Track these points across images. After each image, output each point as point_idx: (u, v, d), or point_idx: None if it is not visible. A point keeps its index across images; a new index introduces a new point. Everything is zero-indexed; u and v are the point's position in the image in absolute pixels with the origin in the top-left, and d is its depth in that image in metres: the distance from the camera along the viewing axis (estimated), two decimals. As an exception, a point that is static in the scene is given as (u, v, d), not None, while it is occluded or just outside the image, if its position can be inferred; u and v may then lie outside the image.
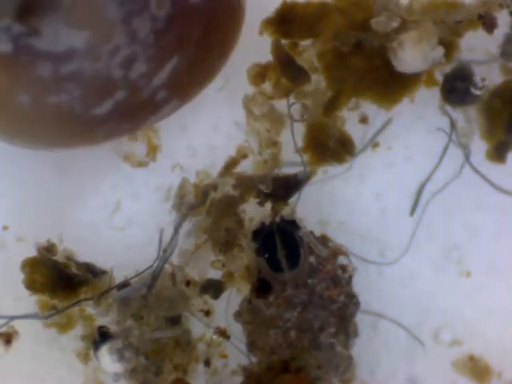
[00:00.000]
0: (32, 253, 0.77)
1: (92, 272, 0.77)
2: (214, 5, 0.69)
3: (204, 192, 0.77)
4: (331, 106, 0.76)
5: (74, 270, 0.77)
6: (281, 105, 0.77)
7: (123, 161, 0.79)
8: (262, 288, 0.76)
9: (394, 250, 0.80)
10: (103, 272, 0.77)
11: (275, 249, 0.75)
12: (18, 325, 0.78)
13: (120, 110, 0.69)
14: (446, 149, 0.79)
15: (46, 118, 0.68)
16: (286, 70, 0.75)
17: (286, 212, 0.77)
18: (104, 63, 0.66)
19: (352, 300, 0.77)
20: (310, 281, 0.75)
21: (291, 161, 0.78)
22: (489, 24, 0.73)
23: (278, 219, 0.76)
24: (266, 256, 0.75)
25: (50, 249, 0.77)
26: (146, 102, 0.70)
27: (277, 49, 0.75)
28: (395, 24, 0.73)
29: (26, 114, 0.68)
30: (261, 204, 0.77)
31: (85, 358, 0.78)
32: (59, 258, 0.78)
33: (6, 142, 0.72)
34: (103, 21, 0.64)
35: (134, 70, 0.67)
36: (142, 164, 0.79)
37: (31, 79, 0.66)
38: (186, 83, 0.72)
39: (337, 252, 0.77)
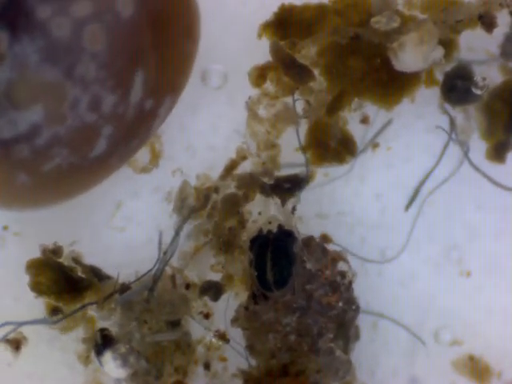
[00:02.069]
0: (32, 253, 0.77)
1: (97, 276, 0.77)
2: (151, 5, 0.67)
3: (206, 195, 0.77)
4: (334, 106, 0.76)
5: (79, 273, 0.77)
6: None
7: (127, 166, 0.79)
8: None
9: (394, 249, 0.80)
10: (108, 277, 0.77)
11: (267, 264, 0.75)
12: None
13: (118, 139, 0.69)
14: (445, 146, 0.79)
15: (52, 181, 0.69)
16: (288, 71, 0.75)
17: (290, 205, 0.77)
18: (72, 118, 0.65)
19: (351, 306, 0.76)
20: (308, 286, 0.75)
21: (291, 162, 0.78)
22: (488, 23, 0.73)
23: (275, 229, 0.76)
24: (256, 274, 0.75)
25: (56, 251, 0.77)
26: (138, 117, 0.69)
27: (276, 51, 0.75)
28: (395, 24, 0.73)
29: (30, 188, 0.68)
30: (267, 196, 0.77)
31: (86, 360, 0.78)
32: (65, 260, 0.78)
33: (20, 212, 0.73)
34: (47, 87, 0.63)
35: (104, 106, 0.66)
36: (145, 170, 0.79)
37: (16, 162, 0.66)
38: (168, 80, 0.71)
39: (336, 258, 0.77)
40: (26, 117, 0.64)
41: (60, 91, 0.64)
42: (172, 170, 0.79)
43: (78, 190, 0.73)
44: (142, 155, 0.78)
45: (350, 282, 0.77)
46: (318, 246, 0.77)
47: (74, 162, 0.68)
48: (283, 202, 0.77)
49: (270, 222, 0.76)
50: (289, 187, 0.77)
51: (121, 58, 0.66)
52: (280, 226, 0.76)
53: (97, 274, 0.77)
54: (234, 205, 0.77)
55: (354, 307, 0.76)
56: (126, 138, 0.70)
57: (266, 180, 0.77)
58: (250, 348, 0.76)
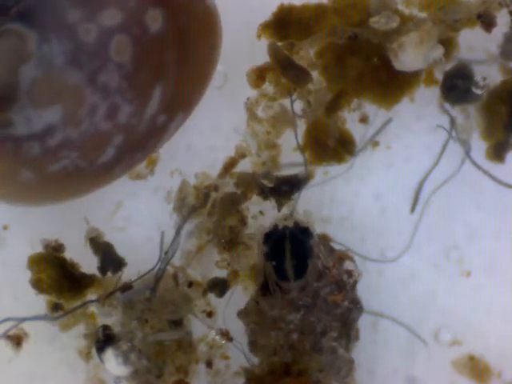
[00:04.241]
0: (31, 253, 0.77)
1: (109, 256, 0.77)
2: (179, 20, 0.69)
3: (205, 194, 0.77)
4: (333, 106, 0.76)
5: (81, 269, 0.77)
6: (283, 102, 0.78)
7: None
8: (267, 286, 0.76)
9: (394, 249, 0.80)
10: (120, 259, 0.78)
11: (283, 256, 0.75)
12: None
13: (126, 149, 0.70)
14: (445, 145, 0.79)
15: (56, 182, 0.69)
16: (286, 72, 0.75)
17: (288, 209, 0.77)
18: (87, 124, 0.66)
19: (356, 305, 0.76)
20: (314, 284, 0.75)
21: (290, 161, 0.78)
22: (487, 23, 0.73)
23: (291, 224, 0.76)
24: (274, 264, 0.75)
25: (57, 248, 0.77)
26: (148, 131, 0.70)
27: (274, 52, 0.75)
28: (395, 24, 0.73)
29: (34, 186, 0.69)
30: (265, 198, 0.77)
31: (87, 356, 0.78)
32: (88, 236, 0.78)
33: (22, 207, 0.73)
34: (68, 90, 0.64)
35: (120, 115, 0.67)
36: (140, 176, 0.79)
37: (25, 159, 0.67)
38: (183, 97, 0.72)
39: (342, 257, 0.77)
40: (42, 116, 0.64)
41: (80, 96, 0.65)
42: (172, 169, 0.80)
43: (79, 192, 0.74)
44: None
45: (355, 282, 0.76)
46: (325, 244, 0.77)
47: (80, 166, 0.68)
48: (279, 207, 0.77)
49: (285, 219, 0.76)
50: (286, 190, 0.77)
51: (144, 71, 0.67)
52: (296, 223, 0.76)
53: (109, 253, 0.77)
54: (233, 204, 0.77)
55: (358, 306, 0.76)
56: (134, 149, 0.71)
57: (266, 183, 0.77)
58: (253, 344, 0.76)
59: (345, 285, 0.76)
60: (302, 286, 0.74)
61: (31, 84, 0.63)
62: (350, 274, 0.76)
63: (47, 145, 0.66)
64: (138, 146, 0.71)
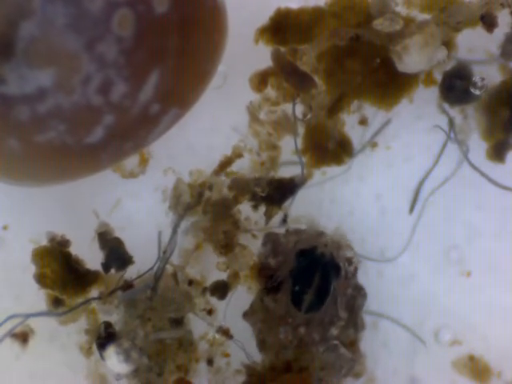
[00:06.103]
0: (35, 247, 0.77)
1: (118, 252, 0.77)
2: (186, 9, 0.68)
3: (199, 192, 0.77)
4: (335, 108, 0.76)
5: (85, 266, 0.78)
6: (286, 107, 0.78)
7: (113, 171, 0.79)
8: (270, 285, 0.76)
9: (394, 250, 0.80)
10: (128, 257, 0.78)
11: (306, 284, 0.75)
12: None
13: (115, 133, 0.69)
14: (444, 145, 0.79)
15: (41, 156, 0.68)
16: (290, 79, 0.75)
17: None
18: (79, 94, 0.65)
19: (360, 292, 0.77)
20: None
21: (289, 160, 0.78)
22: (489, 23, 0.73)
23: (329, 254, 0.76)
24: (297, 288, 0.75)
25: (63, 243, 0.77)
26: (140, 118, 0.69)
27: (278, 59, 0.75)
28: (398, 26, 0.73)
29: (19, 157, 0.68)
30: (255, 208, 0.77)
31: (87, 351, 0.78)
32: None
33: (7, 183, 0.72)
34: (65, 54, 0.64)
35: (113, 93, 0.66)
36: (132, 175, 0.79)
37: (13, 123, 0.66)
38: (179, 91, 0.71)
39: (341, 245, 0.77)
40: (36, 77, 0.64)
41: (76, 62, 0.64)
42: (168, 168, 0.80)
43: (63, 175, 0.73)
44: (130, 161, 0.79)
45: (356, 268, 0.77)
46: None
47: (67, 143, 0.67)
48: (268, 218, 0.77)
49: (326, 245, 0.76)
50: (278, 198, 0.77)
51: (143, 51, 0.66)
52: (332, 256, 0.76)
53: (118, 250, 0.77)
54: (225, 208, 0.77)
55: (362, 292, 0.77)
56: (123, 136, 0.70)
57: (258, 191, 0.77)
58: (261, 343, 0.76)
59: (346, 273, 0.76)
60: (309, 319, 0.75)
61: (29, 42, 0.63)
62: (349, 261, 0.76)
63: (37, 111, 0.65)
64: (127, 133, 0.70)
